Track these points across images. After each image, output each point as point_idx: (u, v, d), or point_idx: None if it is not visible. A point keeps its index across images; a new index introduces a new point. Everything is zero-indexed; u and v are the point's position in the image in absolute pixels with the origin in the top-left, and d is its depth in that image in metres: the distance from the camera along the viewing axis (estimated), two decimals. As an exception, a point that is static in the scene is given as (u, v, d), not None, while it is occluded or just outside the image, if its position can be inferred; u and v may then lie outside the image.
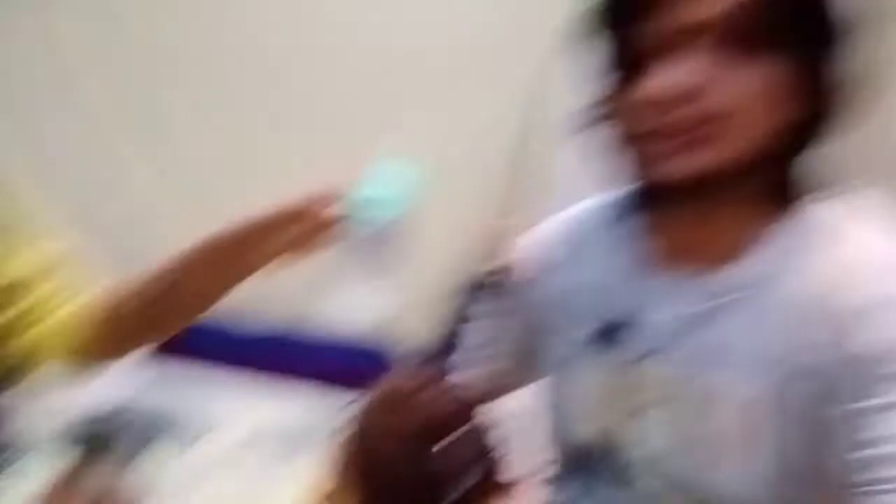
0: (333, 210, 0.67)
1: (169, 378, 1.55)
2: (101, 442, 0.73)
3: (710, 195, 0.61)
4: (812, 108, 0.58)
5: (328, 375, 1.58)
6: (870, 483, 0.51)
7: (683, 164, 0.58)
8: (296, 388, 1.67)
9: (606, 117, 0.63)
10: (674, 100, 0.56)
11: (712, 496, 0.63)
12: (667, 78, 0.56)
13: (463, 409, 0.65)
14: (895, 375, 0.52)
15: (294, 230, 0.67)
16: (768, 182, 0.61)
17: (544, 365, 0.78)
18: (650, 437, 0.66)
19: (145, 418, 1.31)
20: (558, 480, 0.78)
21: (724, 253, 0.63)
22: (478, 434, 0.64)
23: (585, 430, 0.72)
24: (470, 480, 0.60)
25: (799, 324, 0.58)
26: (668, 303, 0.65)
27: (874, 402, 0.52)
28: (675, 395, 0.64)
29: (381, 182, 0.66)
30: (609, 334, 0.69)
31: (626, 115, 0.60)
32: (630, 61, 0.59)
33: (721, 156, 0.58)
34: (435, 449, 0.61)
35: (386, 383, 0.67)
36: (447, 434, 0.62)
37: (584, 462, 0.73)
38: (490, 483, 0.63)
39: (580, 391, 0.72)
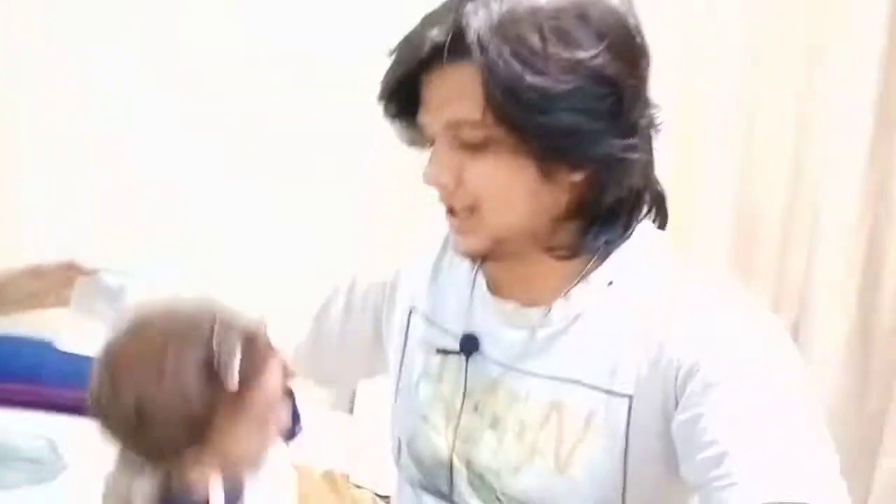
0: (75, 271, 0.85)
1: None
2: None
3: (499, 259, 0.70)
4: (577, 176, 0.64)
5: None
6: (720, 478, 0.56)
7: (462, 243, 0.69)
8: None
9: None
10: (438, 189, 0.66)
11: None
12: (428, 169, 0.65)
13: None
14: (708, 385, 0.60)
15: (34, 285, 0.87)
16: (558, 242, 0.68)
17: (392, 377, 0.84)
18: (504, 451, 0.71)
19: None
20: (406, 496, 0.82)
21: (545, 291, 0.70)
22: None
23: (439, 443, 0.76)
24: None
25: (621, 348, 0.66)
26: (510, 326, 0.72)
27: (699, 410, 0.60)
28: (523, 409, 0.71)
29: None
30: (465, 349, 0.75)
31: None
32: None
33: (485, 238, 0.67)
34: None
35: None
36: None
37: (435, 476, 0.77)
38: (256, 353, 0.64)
39: (435, 404, 0.77)
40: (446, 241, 0.80)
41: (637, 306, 0.66)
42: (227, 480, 0.64)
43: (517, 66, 0.57)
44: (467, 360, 0.74)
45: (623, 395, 0.65)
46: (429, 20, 0.62)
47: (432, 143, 0.66)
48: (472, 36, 0.58)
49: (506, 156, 0.62)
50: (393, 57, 0.64)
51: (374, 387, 1.31)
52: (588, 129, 0.61)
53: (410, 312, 0.82)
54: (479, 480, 0.72)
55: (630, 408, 0.64)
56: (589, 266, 0.68)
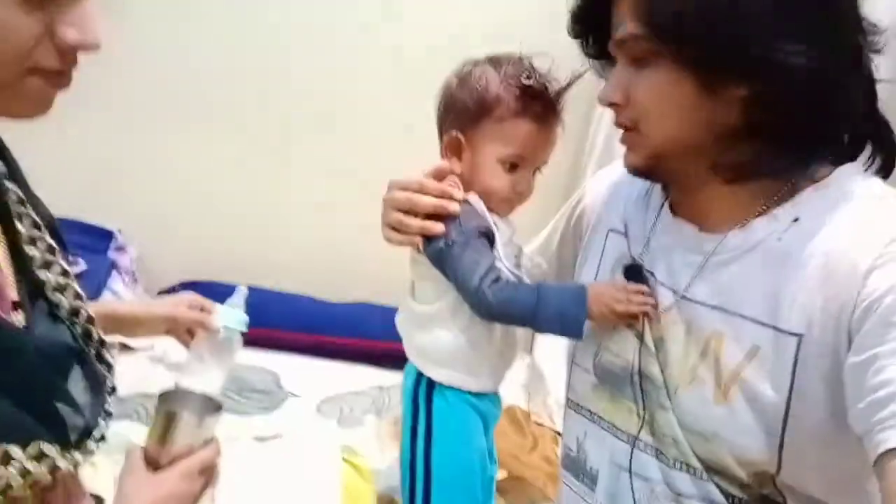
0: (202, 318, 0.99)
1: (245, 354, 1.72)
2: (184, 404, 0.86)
3: (666, 177, 0.73)
4: (741, 90, 0.63)
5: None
6: (884, 420, 0.54)
7: (627, 158, 0.72)
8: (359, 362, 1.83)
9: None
10: (610, 107, 0.69)
11: (716, 441, 0.68)
12: (602, 90, 0.69)
13: None
14: (889, 324, 0.57)
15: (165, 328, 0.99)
16: (726, 162, 0.67)
17: None
18: (669, 370, 0.73)
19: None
20: (574, 411, 0.87)
21: (723, 218, 0.70)
22: None
23: (615, 359, 0.80)
24: None
25: (795, 285, 0.64)
26: (685, 250, 0.73)
27: (875, 350, 0.57)
28: (688, 332, 0.72)
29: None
30: (635, 272, 0.78)
31: None
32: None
33: (648, 153, 0.70)
34: None
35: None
36: None
37: (609, 385, 0.81)
38: None
39: (618, 327, 0.80)
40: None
41: (821, 246, 0.64)
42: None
43: None
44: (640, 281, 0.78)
45: (792, 334, 0.63)
46: None
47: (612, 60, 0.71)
48: None
49: (666, 69, 0.64)
50: None
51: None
52: (747, 31, 0.61)
53: (608, 233, 0.86)
54: (653, 391, 0.75)
55: (798, 347, 0.63)
56: (774, 199, 0.67)
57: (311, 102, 2.08)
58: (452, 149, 0.89)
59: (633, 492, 0.78)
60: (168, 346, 1.71)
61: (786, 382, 0.64)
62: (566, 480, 0.91)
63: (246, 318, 1.07)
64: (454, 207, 0.85)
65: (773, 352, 0.64)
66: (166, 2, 1.98)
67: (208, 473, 0.86)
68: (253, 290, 1.98)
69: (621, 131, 0.74)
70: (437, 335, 0.92)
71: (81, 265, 1.79)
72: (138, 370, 1.61)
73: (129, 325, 0.79)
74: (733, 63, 0.62)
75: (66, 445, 0.64)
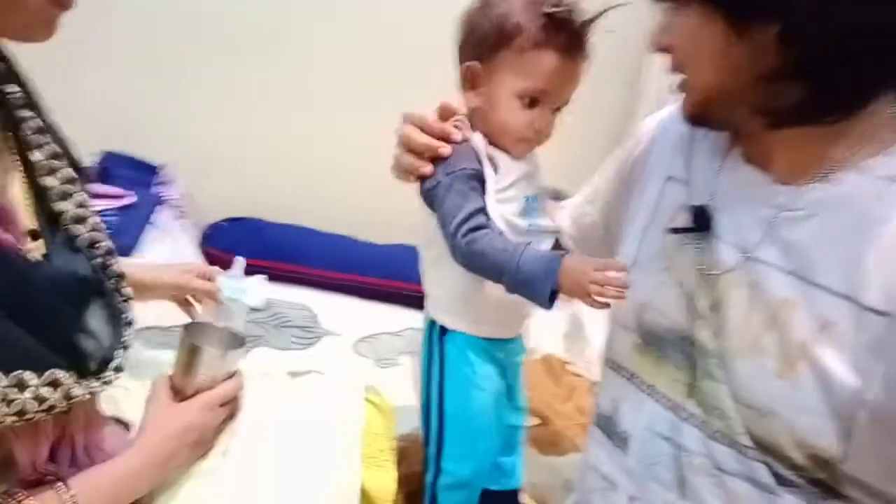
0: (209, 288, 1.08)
1: (283, 293, 1.79)
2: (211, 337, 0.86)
3: (719, 124, 0.69)
4: (772, 28, 0.58)
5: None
6: None
7: (682, 105, 0.69)
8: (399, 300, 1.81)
9: None
10: (661, 52, 0.67)
11: (772, 418, 0.63)
12: (653, 33, 0.67)
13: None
14: None
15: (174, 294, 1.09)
16: (771, 105, 0.62)
17: (619, 251, 0.84)
18: (724, 337, 0.67)
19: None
20: (612, 374, 0.83)
21: (798, 168, 0.64)
22: None
23: (667, 318, 0.75)
24: None
25: (888, 256, 0.56)
26: (754, 203, 0.67)
27: None
28: (753, 297, 0.65)
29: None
30: (701, 217, 0.71)
31: None
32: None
33: (694, 98, 0.67)
34: None
35: None
36: None
37: (654, 347, 0.76)
38: None
39: (661, 280, 0.75)
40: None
41: None
42: None
43: None
44: (700, 239, 0.71)
45: (878, 312, 0.56)
46: None
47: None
48: None
49: (695, 11, 0.62)
50: None
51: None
52: None
53: (666, 180, 0.80)
54: (703, 359, 0.71)
55: (886, 328, 0.56)
56: (862, 150, 0.60)
57: (361, 37, 2.03)
58: (469, 80, 0.84)
59: (671, 461, 0.74)
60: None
61: (864, 365, 0.57)
62: (595, 437, 0.88)
63: (244, 287, 1.14)
64: (445, 150, 0.80)
65: (853, 329, 0.58)
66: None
67: (230, 406, 0.87)
68: (293, 229, 2.01)
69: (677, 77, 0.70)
70: (440, 280, 0.91)
71: (131, 197, 1.82)
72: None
73: (137, 289, 0.79)
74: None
75: (82, 374, 0.65)
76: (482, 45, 0.80)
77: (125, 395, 0.89)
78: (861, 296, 0.57)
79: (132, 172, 1.97)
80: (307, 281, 1.89)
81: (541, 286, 0.73)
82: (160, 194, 1.98)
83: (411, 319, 1.76)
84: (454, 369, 0.91)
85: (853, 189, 0.60)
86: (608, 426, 0.85)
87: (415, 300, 1.86)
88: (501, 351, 0.93)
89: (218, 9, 1.98)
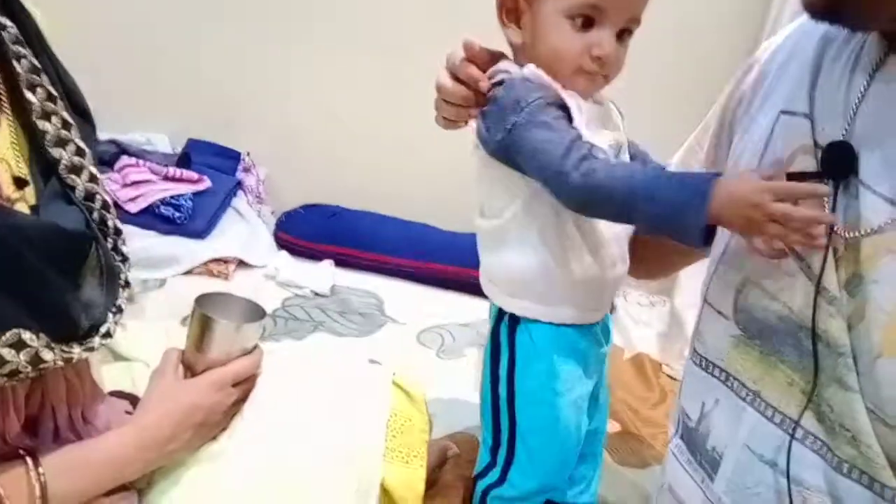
0: None
1: (350, 279, 1.72)
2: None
3: (865, 18, 0.49)
4: None
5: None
6: None
7: None
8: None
9: None
10: None
11: None
12: None
13: None
14: None
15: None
16: None
17: None
18: (863, 325, 0.50)
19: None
20: (700, 370, 0.66)
21: None
22: None
23: (770, 302, 0.57)
24: None
25: None
26: None
27: None
28: None
29: None
30: (829, 167, 0.50)
31: None
32: None
33: None
34: None
35: None
36: None
37: (760, 340, 0.59)
38: None
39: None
40: (831, 29, 0.61)
41: None
42: None
43: None
44: (836, 190, 0.54)
45: None
46: None
47: None
48: None
49: None
50: None
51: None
52: None
53: (779, 115, 0.63)
54: (830, 357, 0.54)
55: None
56: None
57: (441, 20, 1.94)
58: (509, 10, 0.71)
59: (775, 494, 0.56)
60: (281, 263, 1.73)
61: None
62: (678, 455, 0.71)
63: None
64: (483, 84, 0.68)
65: None
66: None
67: (244, 386, 0.79)
68: (367, 215, 1.95)
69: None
70: (505, 258, 0.75)
71: (206, 182, 1.83)
72: (250, 286, 1.62)
73: None
74: None
75: (59, 337, 0.58)
76: None
77: (145, 372, 0.83)
78: None
79: (215, 160, 1.99)
80: (378, 268, 1.82)
81: (692, 214, 0.55)
82: (239, 180, 1.98)
83: (483, 310, 1.65)
84: (529, 368, 0.76)
85: None
86: (693, 441, 0.69)
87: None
88: (585, 339, 0.77)
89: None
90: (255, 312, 0.83)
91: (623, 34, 0.68)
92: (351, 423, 0.78)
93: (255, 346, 0.80)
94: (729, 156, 0.71)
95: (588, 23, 0.66)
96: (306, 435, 0.76)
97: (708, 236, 0.56)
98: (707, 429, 0.66)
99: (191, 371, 0.76)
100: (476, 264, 1.82)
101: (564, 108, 0.66)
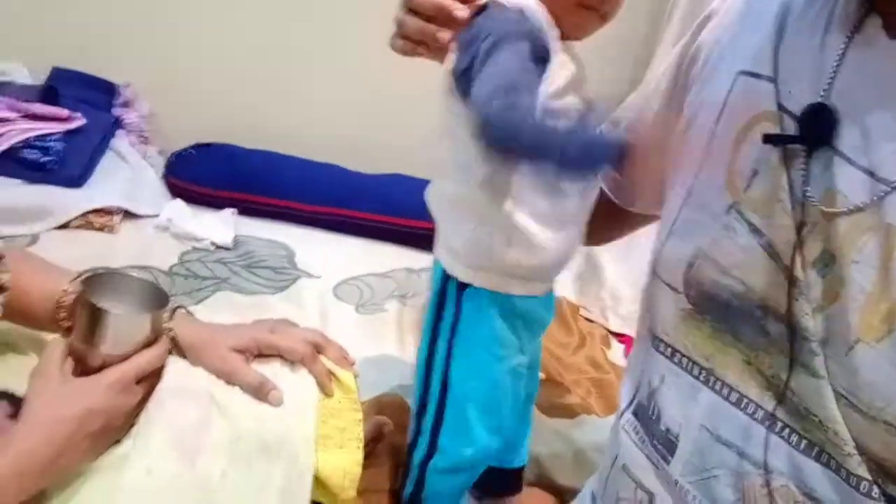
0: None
1: (256, 229, 1.57)
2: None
3: None
4: None
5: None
6: None
7: None
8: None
9: None
10: None
11: None
12: None
13: None
14: None
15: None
16: None
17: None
18: (837, 307, 0.47)
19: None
20: (653, 346, 0.63)
21: None
22: None
23: (736, 276, 0.54)
24: None
25: None
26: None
27: None
28: (891, 250, 0.44)
29: None
30: (811, 130, 0.49)
31: None
32: None
33: None
34: None
35: None
36: None
37: (715, 317, 0.55)
38: None
39: (725, 222, 0.55)
40: None
41: None
42: None
43: None
44: (809, 155, 0.49)
45: None
46: None
47: None
48: None
49: None
50: None
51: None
52: None
53: (737, 76, 0.58)
54: (798, 345, 0.50)
55: None
56: None
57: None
58: None
59: (735, 477, 0.53)
60: (175, 212, 1.56)
61: None
62: (631, 433, 0.67)
63: None
64: (460, 12, 0.59)
65: None
66: None
67: (149, 381, 0.68)
68: (271, 156, 1.79)
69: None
70: (464, 225, 0.70)
71: (79, 119, 1.60)
72: (141, 240, 1.45)
73: None
74: None
75: None
76: None
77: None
78: None
79: (87, 92, 1.74)
80: (285, 215, 1.69)
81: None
82: (118, 117, 1.75)
83: (404, 258, 1.57)
84: (471, 332, 0.73)
85: None
86: (645, 420, 0.65)
87: (408, 237, 1.69)
88: (534, 309, 0.75)
89: None
90: (157, 294, 0.71)
91: None
92: (273, 412, 0.69)
93: (160, 335, 0.69)
94: (683, 115, 0.65)
95: None
96: (221, 429, 0.67)
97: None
98: (658, 408, 0.63)
99: (82, 366, 0.64)
100: (391, 209, 1.74)
101: (544, 61, 0.59)
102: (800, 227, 0.50)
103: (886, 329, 0.45)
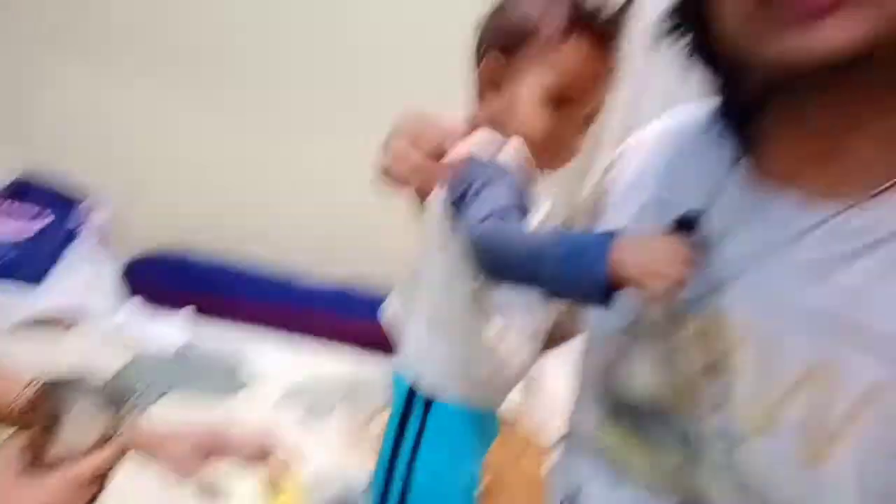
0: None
1: (209, 332, 1.62)
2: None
3: (858, 84, 0.45)
4: None
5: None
6: None
7: (836, 30, 0.41)
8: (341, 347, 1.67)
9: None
10: None
11: None
12: None
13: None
14: None
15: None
16: None
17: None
18: (731, 409, 0.51)
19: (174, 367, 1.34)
20: (571, 453, 0.67)
21: (876, 176, 0.47)
22: None
23: (642, 384, 0.58)
24: None
25: None
26: (776, 229, 0.51)
27: None
28: (774, 356, 0.49)
29: None
30: (688, 226, 0.55)
31: None
32: None
33: (875, 24, 0.41)
34: None
35: None
36: None
37: (630, 421, 0.60)
38: None
39: (639, 330, 0.60)
40: (690, 116, 0.65)
41: None
42: None
43: None
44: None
45: None
46: None
47: None
48: None
49: None
50: None
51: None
52: None
53: (644, 202, 0.65)
54: (699, 441, 0.55)
55: None
56: None
57: (299, 59, 1.92)
58: (490, 79, 0.72)
59: None
60: (129, 315, 1.59)
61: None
62: None
63: None
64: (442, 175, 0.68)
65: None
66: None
67: (103, 480, 0.71)
68: (227, 260, 1.85)
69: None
70: (444, 339, 0.73)
71: (48, 217, 1.65)
72: (95, 341, 1.47)
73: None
74: None
75: None
76: (506, 39, 0.71)
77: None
78: None
79: (51, 196, 1.80)
80: (239, 318, 1.73)
81: (589, 262, 0.53)
82: (80, 221, 1.81)
83: (353, 363, 1.62)
84: (436, 439, 0.74)
85: None
86: None
87: (359, 342, 1.74)
88: (492, 422, 0.78)
89: (151, 19, 1.86)
90: (112, 395, 0.75)
91: (586, 120, 0.71)
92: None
93: (115, 436, 0.72)
94: None
95: (560, 103, 0.69)
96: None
97: (609, 292, 0.54)
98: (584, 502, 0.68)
99: (38, 464, 0.67)
100: (340, 314, 1.80)
101: (524, 205, 0.65)
102: (692, 340, 0.57)
103: (765, 424, 0.49)
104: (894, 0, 0.41)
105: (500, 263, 0.61)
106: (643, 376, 0.61)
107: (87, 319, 1.56)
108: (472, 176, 0.66)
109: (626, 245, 0.53)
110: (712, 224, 0.57)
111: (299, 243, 1.99)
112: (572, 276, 0.55)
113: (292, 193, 2.02)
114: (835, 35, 0.42)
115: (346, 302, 1.81)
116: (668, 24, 0.58)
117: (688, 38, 0.57)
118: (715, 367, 0.54)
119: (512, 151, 0.68)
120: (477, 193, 0.63)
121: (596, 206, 0.77)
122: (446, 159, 0.69)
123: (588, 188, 0.81)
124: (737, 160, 0.58)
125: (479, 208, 0.62)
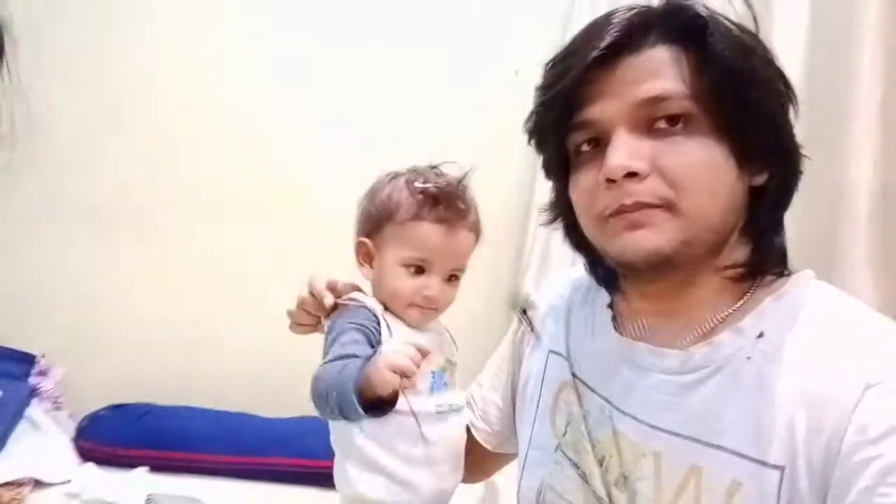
0: None
1: (167, 487, 1.63)
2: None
3: (680, 269, 0.62)
4: (761, 178, 0.61)
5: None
6: None
7: (648, 240, 0.60)
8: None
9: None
10: (626, 180, 0.59)
11: None
12: (615, 160, 0.59)
13: None
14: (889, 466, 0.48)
15: None
16: (733, 259, 0.62)
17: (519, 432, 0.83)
18: None
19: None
20: None
21: (702, 324, 0.63)
22: None
23: (562, 499, 0.72)
24: None
25: (771, 410, 0.55)
26: (645, 372, 0.66)
27: (878, 501, 0.47)
28: (662, 469, 0.62)
29: None
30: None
31: (586, 196, 0.64)
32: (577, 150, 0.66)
33: (679, 234, 0.60)
34: None
35: None
36: None
37: None
38: None
39: (556, 459, 0.74)
40: (579, 279, 0.82)
41: (792, 362, 0.57)
42: None
43: (738, 46, 0.58)
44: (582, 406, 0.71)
45: (774, 467, 0.55)
46: (597, 25, 0.63)
47: (596, 142, 0.63)
48: (692, 13, 0.60)
49: (705, 138, 0.59)
50: (558, 63, 0.65)
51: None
52: (782, 121, 0.61)
53: (549, 354, 0.82)
54: None
55: (781, 481, 0.54)
56: (735, 310, 0.62)
57: (244, 214, 2.07)
58: (362, 255, 0.88)
59: None
60: (85, 478, 1.60)
61: None
62: None
63: None
64: (328, 300, 0.83)
65: (756, 489, 0.55)
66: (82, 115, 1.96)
67: None
68: (181, 410, 1.89)
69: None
70: (355, 467, 0.82)
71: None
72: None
73: None
74: (771, 140, 0.61)
75: None
76: (371, 223, 0.88)
77: None
78: (762, 453, 0.56)
79: (5, 365, 1.83)
80: (197, 469, 1.76)
81: (349, 386, 0.73)
82: (35, 386, 1.84)
83: (311, 501, 1.66)
84: None
85: (733, 349, 0.61)
86: None
87: (317, 479, 1.76)
88: None
89: (96, 185, 1.98)
90: None
91: (451, 278, 0.86)
92: None
93: None
94: (521, 375, 0.89)
95: (420, 270, 0.84)
96: None
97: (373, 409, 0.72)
98: None
99: None
100: (297, 452, 1.83)
101: (374, 340, 0.82)
102: (601, 460, 0.69)
103: None
104: (695, 215, 0.59)
105: (314, 398, 0.78)
106: (570, 493, 0.72)
107: (44, 486, 1.57)
108: (334, 328, 0.83)
109: (374, 362, 0.71)
110: (587, 368, 0.74)
111: (253, 384, 2.04)
112: (341, 400, 0.73)
113: (241, 339, 2.09)
114: (652, 237, 0.60)
115: (303, 438, 1.86)
116: (546, 216, 0.77)
117: (562, 227, 0.76)
118: (627, 479, 0.66)
119: (377, 307, 0.84)
120: (333, 342, 0.81)
121: (517, 354, 0.92)
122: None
123: (507, 342, 0.96)
124: (607, 318, 0.74)
125: (329, 353, 0.79)
